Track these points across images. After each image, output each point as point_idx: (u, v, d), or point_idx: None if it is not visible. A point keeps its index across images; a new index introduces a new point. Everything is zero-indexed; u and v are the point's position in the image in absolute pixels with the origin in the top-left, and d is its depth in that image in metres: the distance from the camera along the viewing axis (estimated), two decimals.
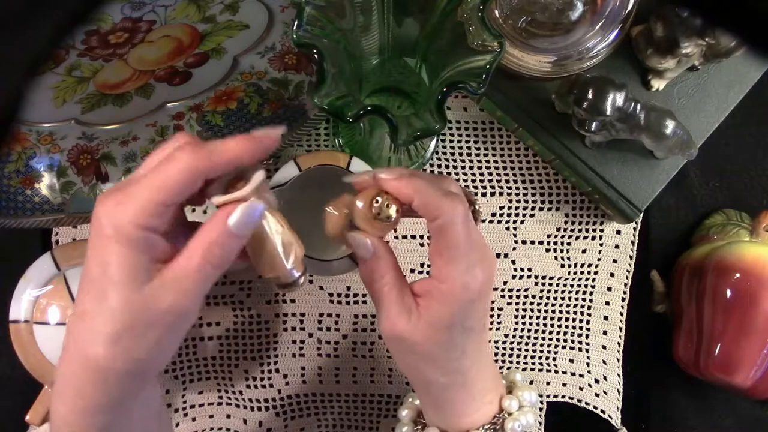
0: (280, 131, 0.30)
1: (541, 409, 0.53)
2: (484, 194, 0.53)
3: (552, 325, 0.53)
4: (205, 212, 0.51)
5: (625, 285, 0.53)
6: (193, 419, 0.51)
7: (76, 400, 0.27)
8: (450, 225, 0.30)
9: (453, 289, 0.31)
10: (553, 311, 0.53)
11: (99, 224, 0.26)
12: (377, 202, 0.31)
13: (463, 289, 0.31)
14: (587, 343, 0.53)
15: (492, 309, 0.53)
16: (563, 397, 0.53)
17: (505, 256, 0.53)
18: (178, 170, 0.27)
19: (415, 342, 0.32)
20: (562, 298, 0.53)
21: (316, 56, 0.30)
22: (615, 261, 0.53)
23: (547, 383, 0.53)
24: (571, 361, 0.53)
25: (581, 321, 0.53)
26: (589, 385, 0.53)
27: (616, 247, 0.53)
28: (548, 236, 0.53)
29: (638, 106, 0.43)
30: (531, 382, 0.53)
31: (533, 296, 0.53)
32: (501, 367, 0.53)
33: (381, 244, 0.33)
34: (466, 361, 0.33)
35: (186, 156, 0.27)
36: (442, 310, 0.31)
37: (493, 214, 0.53)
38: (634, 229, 0.53)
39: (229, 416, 0.52)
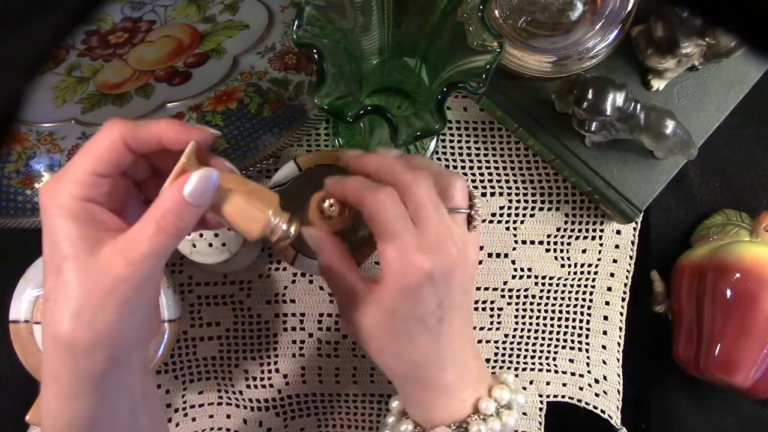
0: (216, 132, 0.31)
1: (541, 409, 0.53)
2: (484, 194, 0.53)
3: (552, 325, 0.53)
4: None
5: (625, 285, 0.53)
6: (193, 419, 0.51)
7: (53, 385, 0.28)
8: (371, 215, 0.32)
9: (390, 275, 0.32)
10: (553, 311, 0.53)
11: (42, 208, 0.27)
12: (324, 202, 0.35)
13: (400, 274, 0.32)
14: (587, 343, 0.53)
15: (492, 309, 0.53)
16: (563, 397, 0.53)
17: (505, 256, 0.53)
18: (104, 140, 0.28)
19: (367, 330, 0.34)
20: (562, 298, 0.53)
21: (316, 56, 0.30)
22: (615, 261, 0.53)
23: (547, 383, 0.53)
24: (571, 361, 0.53)
25: (581, 321, 0.53)
26: (589, 385, 0.53)
27: (616, 247, 0.53)
28: (548, 236, 0.53)
29: (638, 106, 0.43)
30: (531, 382, 0.53)
31: (533, 296, 0.53)
32: (501, 367, 0.53)
33: (327, 237, 0.35)
34: (418, 353, 0.33)
35: (112, 127, 0.28)
36: (383, 295, 0.32)
37: (493, 214, 0.53)
38: (634, 229, 0.53)
39: (229, 416, 0.52)
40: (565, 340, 0.53)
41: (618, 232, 0.53)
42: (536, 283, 0.53)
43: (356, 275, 0.34)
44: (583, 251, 0.53)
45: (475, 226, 0.36)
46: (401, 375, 0.35)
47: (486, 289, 0.53)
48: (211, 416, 0.52)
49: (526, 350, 0.53)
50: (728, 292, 0.46)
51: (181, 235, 0.28)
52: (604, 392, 0.52)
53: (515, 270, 0.53)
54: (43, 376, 0.28)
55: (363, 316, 0.34)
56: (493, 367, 0.53)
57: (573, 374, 0.53)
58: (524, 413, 0.53)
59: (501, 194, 0.53)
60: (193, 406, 0.52)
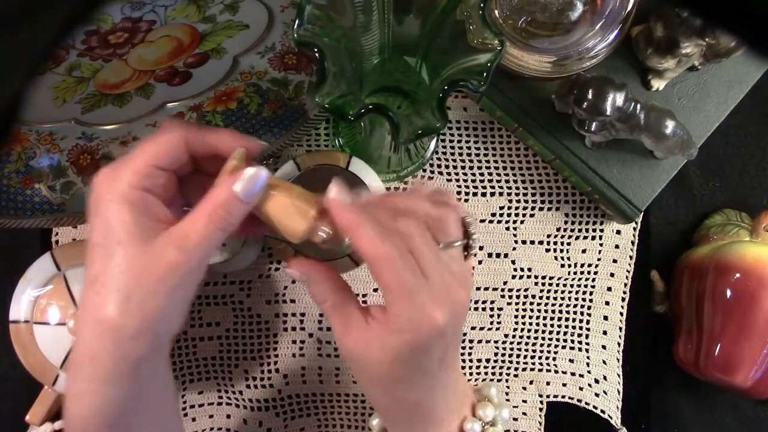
0: (264, 144, 0.33)
1: (541, 409, 0.53)
2: (484, 194, 0.53)
3: (552, 325, 0.53)
4: None
5: (625, 285, 0.53)
6: (193, 419, 0.51)
7: (87, 368, 0.28)
8: (378, 270, 0.30)
9: (399, 328, 0.30)
10: (553, 311, 0.53)
11: (96, 194, 0.28)
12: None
13: (411, 330, 0.30)
14: (587, 343, 0.53)
15: (492, 309, 0.53)
16: (563, 397, 0.53)
17: (505, 256, 0.53)
18: (168, 137, 0.29)
19: (362, 365, 0.32)
20: (562, 298, 0.53)
21: (317, 55, 0.30)
22: (615, 261, 0.53)
23: (547, 383, 0.53)
24: (571, 361, 0.53)
25: (581, 321, 0.53)
26: (589, 385, 0.53)
27: (616, 247, 0.53)
28: (548, 236, 0.53)
29: (638, 106, 0.43)
30: (531, 382, 0.53)
31: (533, 296, 0.53)
32: (501, 368, 0.53)
33: (315, 271, 0.33)
34: (414, 397, 0.33)
35: (177, 127, 0.30)
36: (388, 343, 0.30)
37: (493, 214, 0.53)
38: (634, 229, 0.53)
39: (229, 416, 0.52)
40: (565, 340, 0.53)
41: (618, 232, 0.53)
42: (536, 283, 0.53)
43: (355, 305, 0.33)
44: (583, 251, 0.53)
45: (474, 254, 0.35)
46: (390, 411, 0.34)
47: (486, 289, 0.53)
48: (211, 416, 0.52)
49: (526, 350, 0.53)
50: (728, 292, 0.46)
51: (228, 230, 0.29)
52: (604, 392, 0.52)
53: (515, 270, 0.53)
54: (75, 360, 0.28)
55: (362, 352, 0.31)
56: (493, 367, 0.53)
57: (573, 374, 0.53)
58: (524, 413, 0.53)
59: (501, 194, 0.53)
60: (193, 406, 0.52)
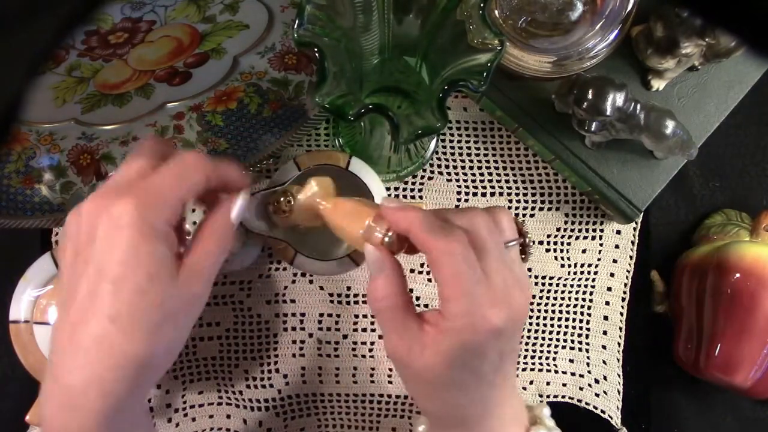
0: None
1: None
2: (484, 194, 0.53)
3: (552, 325, 0.53)
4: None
5: (625, 285, 0.53)
6: (193, 419, 0.51)
7: (100, 401, 0.27)
8: (438, 263, 0.30)
9: (455, 327, 0.30)
10: (553, 311, 0.53)
11: (131, 221, 0.27)
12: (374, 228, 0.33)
13: (467, 329, 0.29)
14: (587, 343, 0.53)
15: None
16: (563, 397, 0.53)
17: None
18: (199, 177, 0.30)
19: (415, 371, 0.31)
20: (562, 298, 0.53)
21: (317, 55, 0.30)
22: (615, 261, 0.53)
23: (547, 383, 0.53)
24: (571, 361, 0.53)
25: (581, 321, 0.53)
26: (589, 385, 0.52)
27: (616, 247, 0.53)
28: (548, 236, 0.53)
29: (638, 106, 0.43)
30: (531, 382, 0.53)
31: (533, 296, 0.53)
32: None
33: (392, 263, 0.32)
34: (466, 402, 0.31)
35: (203, 163, 0.31)
36: (443, 345, 0.30)
37: None
38: (634, 229, 0.53)
39: (229, 416, 0.52)
40: (565, 340, 0.53)
41: (618, 232, 0.53)
42: (536, 283, 0.53)
43: (412, 310, 0.32)
44: (583, 251, 0.53)
45: (530, 254, 0.34)
46: (441, 418, 0.33)
47: None
48: (211, 416, 0.52)
49: (526, 350, 0.53)
50: (728, 292, 0.46)
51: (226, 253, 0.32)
52: (604, 392, 0.52)
53: None
54: (80, 394, 0.28)
55: (416, 359, 0.31)
56: None
57: (573, 374, 0.53)
58: None
59: (501, 194, 0.53)
60: (193, 406, 0.52)
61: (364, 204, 0.34)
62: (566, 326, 0.53)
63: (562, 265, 0.53)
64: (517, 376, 0.53)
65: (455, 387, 0.31)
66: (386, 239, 0.32)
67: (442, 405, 0.32)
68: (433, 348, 0.30)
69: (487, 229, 0.31)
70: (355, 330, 0.52)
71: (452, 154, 0.53)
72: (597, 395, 0.52)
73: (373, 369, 0.52)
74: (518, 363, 0.53)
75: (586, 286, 0.53)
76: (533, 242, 0.34)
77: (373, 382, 0.52)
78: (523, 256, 0.34)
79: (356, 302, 0.52)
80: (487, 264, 0.30)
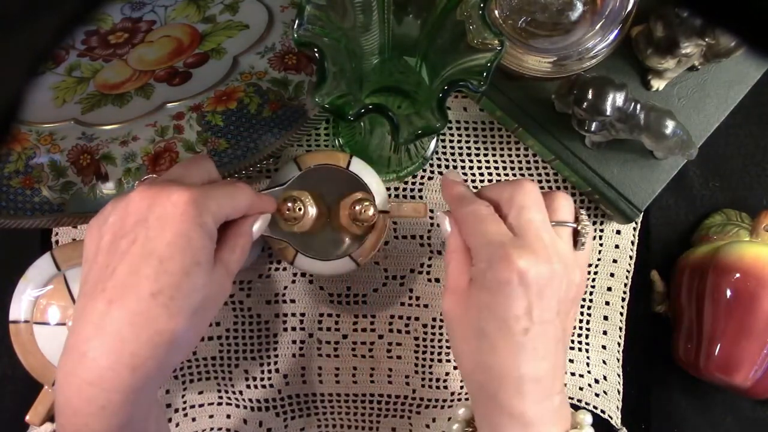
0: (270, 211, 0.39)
1: None
2: None
3: None
4: None
5: (625, 285, 0.53)
6: (193, 419, 0.51)
7: (129, 377, 0.29)
8: (462, 225, 0.34)
9: (480, 270, 0.32)
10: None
11: (186, 215, 0.30)
12: (356, 205, 0.40)
13: (493, 268, 0.31)
14: (587, 343, 0.53)
15: None
16: None
17: None
18: (245, 200, 0.35)
19: (455, 323, 0.33)
20: None
21: (316, 55, 0.30)
22: (615, 261, 0.53)
23: None
24: (571, 361, 0.53)
25: (581, 321, 0.53)
26: (589, 385, 0.52)
27: (616, 247, 0.53)
28: None
29: (638, 106, 0.43)
30: None
31: None
32: None
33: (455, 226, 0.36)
34: (496, 360, 0.31)
35: (251, 194, 0.36)
36: (473, 293, 0.32)
37: None
38: (634, 229, 0.53)
39: (229, 416, 0.52)
40: None
41: (618, 232, 0.53)
42: None
43: (470, 264, 0.34)
44: None
45: (583, 244, 0.34)
46: (476, 381, 0.33)
47: None
48: (211, 416, 0.52)
49: None
50: (728, 292, 0.46)
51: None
52: (604, 392, 0.52)
53: None
54: (108, 368, 0.28)
55: (454, 305, 0.33)
56: None
57: (573, 374, 0.53)
58: None
59: None
60: (193, 406, 0.52)
61: (415, 204, 0.43)
62: None
63: None
64: None
65: (483, 336, 0.32)
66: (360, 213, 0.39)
67: (474, 363, 0.32)
68: (469, 296, 0.33)
69: (530, 191, 0.33)
70: (355, 330, 0.52)
71: (452, 154, 0.53)
72: (597, 395, 0.52)
73: (373, 369, 0.52)
74: None
75: (586, 286, 0.53)
76: (587, 234, 0.34)
77: (373, 382, 0.52)
78: (576, 245, 0.34)
79: (356, 302, 0.52)
80: (521, 221, 0.32)
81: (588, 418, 0.35)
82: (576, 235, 0.34)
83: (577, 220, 0.35)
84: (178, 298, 0.29)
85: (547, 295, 0.31)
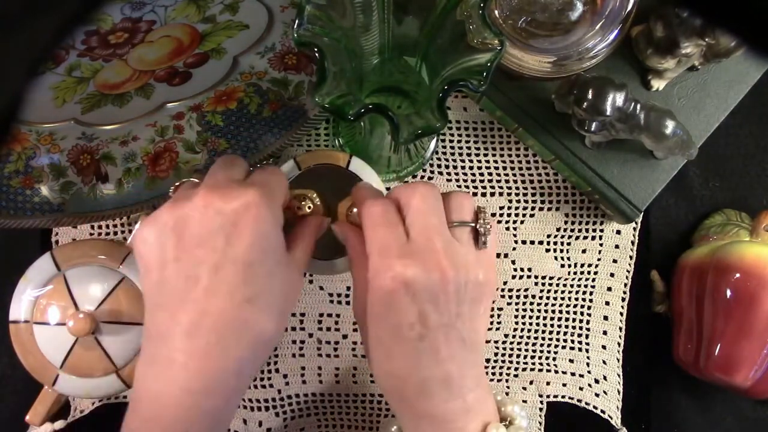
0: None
1: (541, 409, 0.53)
2: (484, 194, 0.53)
3: (552, 325, 0.53)
4: None
5: (625, 285, 0.53)
6: None
7: (235, 382, 0.30)
8: (364, 224, 0.33)
9: (371, 277, 0.31)
10: (553, 311, 0.53)
11: (260, 216, 0.30)
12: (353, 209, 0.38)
13: (378, 277, 0.31)
14: (587, 343, 0.53)
15: (492, 309, 0.53)
16: (563, 397, 0.53)
17: (505, 256, 0.53)
18: (286, 184, 0.35)
19: (361, 330, 0.33)
20: (562, 298, 0.53)
21: (317, 55, 0.30)
22: (615, 261, 0.53)
23: (547, 383, 0.53)
24: (571, 361, 0.53)
25: (581, 321, 0.53)
26: (589, 385, 0.52)
27: (616, 247, 0.53)
28: (548, 236, 0.53)
29: (638, 106, 0.43)
30: (531, 382, 0.53)
31: (533, 296, 0.53)
32: (501, 368, 0.53)
33: (354, 232, 0.35)
34: (395, 366, 0.31)
35: (285, 181, 0.35)
36: (369, 298, 0.32)
37: (493, 214, 0.53)
38: (634, 229, 0.53)
39: None
40: (565, 340, 0.53)
41: (618, 232, 0.53)
42: (536, 283, 0.53)
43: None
44: (583, 251, 0.53)
45: (485, 243, 0.33)
46: (383, 386, 0.33)
47: None
48: None
49: (526, 350, 0.53)
50: (728, 292, 0.46)
51: None
52: (604, 392, 0.52)
53: (515, 270, 0.53)
54: (222, 368, 0.29)
55: (358, 313, 0.34)
56: (493, 367, 0.53)
57: (573, 374, 0.53)
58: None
59: (501, 194, 0.53)
60: None
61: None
62: (566, 326, 0.53)
63: (562, 265, 0.53)
64: (517, 376, 0.53)
65: (380, 343, 0.32)
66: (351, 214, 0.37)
67: (378, 369, 0.32)
68: (361, 304, 0.32)
69: (425, 195, 0.32)
70: (355, 330, 0.52)
71: (452, 154, 0.53)
72: (597, 395, 0.52)
73: None
74: (518, 363, 0.53)
75: (586, 286, 0.53)
76: (489, 232, 0.33)
77: (373, 382, 0.52)
78: (477, 243, 0.33)
79: None
80: (414, 226, 0.32)
81: (520, 411, 0.34)
82: (476, 234, 0.34)
83: (477, 218, 0.34)
84: (272, 301, 0.30)
85: (442, 300, 0.31)
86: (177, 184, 0.35)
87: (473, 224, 0.33)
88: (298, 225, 0.36)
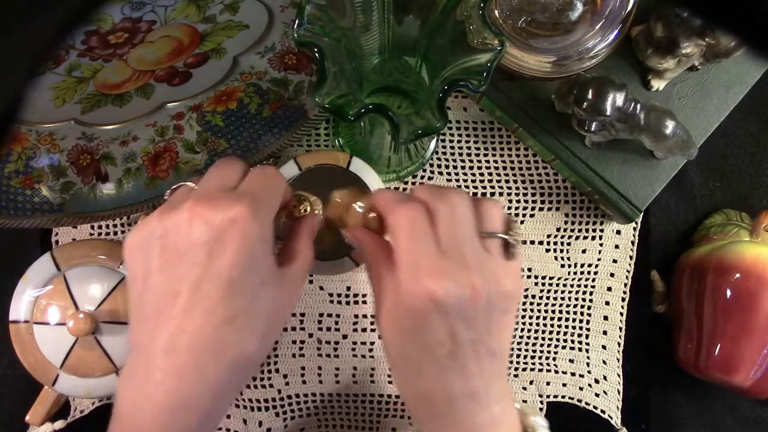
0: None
1: (541, 409, 0.52)
2: (484, 194, 0.53)
3: (552, 325, 0.53)
4: None
5: (625, 285, 0.53)
6: None
7: (210, 402, 0.28)
8: (392, 229, 0.31)
9: (399, 291, 0.30)
10: (553, 311, 0.53)
11: (244, 232, 0.28)
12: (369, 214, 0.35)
13: (408, 294, 0.29)
14: (587, 343, 0.53)
15: None
16: (563, 397, 0.53)
17: None
18: (283, 182, 0.33)
19: (385, 344, 0.32)
20: (562, 298, 0.53)
21: (317, 55, 0.30)
22: (615, 261, 0.53)
23: (547, 383, 0.53)
24: (571, 361, 0.53)
25: (581, 321, 0.53)
26: (589, 385, 0.52)
27: (616, 247, 0.53)
28: (548, 236, 0.53)
29: (638, 106, 0.43)
30: (531, 382, 0.53)
31: (533, 296, 0.53)
32: None
33: (372, 238, 0.34)
34: (425, 384, 0.30)
35: (283, 183, 0.33)
36: (395, 313, 0.30)
37: None
38: (634, 229, 0.53)
39: (229, 416, 0.52)
40: (565, 340, 0.53)
41: (618, 232, 0.53)
42: (536, 283, 0.53)
43: (392, 280, 0.32)
44: (583, 251, 0.53)
45: (513, 254, 0.32)
46: (410, 402, 0.32)
47: None
48: None
49: (526, 350, 0.53)
50: (728, 292, 0.46)
51: None
52: (604, 392, 0.52)
53: None
54: (190, 388, 0.28)
55: (383, 322, 0.31)
56: None
57: (573, 374, 0.53)
58: None
59: (501, 194, 0.53)
60: None
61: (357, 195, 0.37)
62: (566, 326, 0.53)
63: (562, 265, 0.53)
64: (517, 376, 0.53)
65: (409, 360, 0.31)
66: (370, 218, 0.35)
67: (405, 385, 0.32)
68: (393, 317, 0.31)
69: (459, 204, 0.31)
70: (355, 330, 0.52)
71: (452, 154, 0.53)
72: (597, 395, 0.52)
73: (373, 369, 0.52)
74: (518, 363, 0.53)
75: (586, 286, 0.53)
76: (518, 242, 0.32)
77: (373, 382, 0.52)
78: (507, 255, 0.32)
79: (356, 302, 0.52)
80: (445, 239, 0.30)
81: (541, 421, 0.34)
82: (506, 245, 0.32)
83: (507, 229, 0.33)
84: (252, 322, 0.29)
85: (472, 316, 0.30)
86: (174, 187, 0.34)
87: (506, 237, 0.32)
88: (294, 232, 0.34)
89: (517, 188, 0.53)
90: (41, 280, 0.44)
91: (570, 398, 0.53)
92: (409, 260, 0.30)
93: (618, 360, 0.53)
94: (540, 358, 0.53)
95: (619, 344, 0.53)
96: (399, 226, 0.31)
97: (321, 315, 0.52)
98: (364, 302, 0.52)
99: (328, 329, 0.52)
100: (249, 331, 0.29)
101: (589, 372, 0.53)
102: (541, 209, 0.53)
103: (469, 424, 0.31)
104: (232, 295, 0.28)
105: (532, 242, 0.53)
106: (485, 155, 0.53)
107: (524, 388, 0.53)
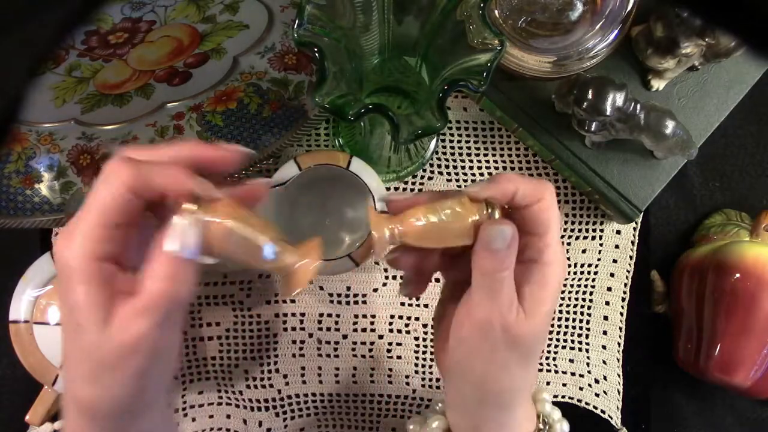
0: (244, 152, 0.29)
1: None
2: None
3: (552, 325, 0.53)
4: None
5: (625, 285, 0.53)
6: (193, 419, 0.51)
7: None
8: (550, 204, 0.31)
9: (555, 270, 0.30)
10: (553, 311, 0.53)
11: (60, 264, 0.25)
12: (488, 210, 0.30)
13: (562, 272, 0.30)
14: (587, 343, 0.53)
15: None
16: (563, 397, 0.53)
17: None
18: (109, 192, 0.25)
19: (520, 337, 0.29)
20: (562, 298, 0.53)
21: (317, 55, 0.30)
22: (615, 261, 0.53)
23: (547, 383, 0.53)
24: (571, 361, 0.53)
25: (581, 321, 0.53)
26: (589, 385, 0.52)
27: (616, 247, 0.53)
28: None
29: (638, 106, 0.43)
30: None
31: None
32: None
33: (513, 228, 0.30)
34: (506, 383, 0.31)
35: (115, 175, 0.25)
36: (544, 296, 0.30)
37: None
38: (634, 229, 0.53)
39: (229, 416, 0.52)
40: (565, 340, 0.53)
41: (618, 232, 0.53)
42: None
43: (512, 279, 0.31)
44: (583, 251, 0.53)
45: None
46: (472, 397, 0.32)
47: None
48: (211, 416, 0.52)
49: None
50: (728, 292, 0.46)
51: (189, 287, 0.26)
52: (604, 392, 0.52)
53: None
54: (66, 426, 0.27)
55: (519, 324, 0.29)
56: None
57: (573, 374, 0.53)
58: None
59: None
60: (193, 406, 0.52)
61: (453, 200, 0.30)
62: (566, 326, 0.53)
63: None
64: None
65: (495, 361, 0.30)
66: (495, 214, 0.30)
67: (476, 385, 0.31)
68: (537, 310, 0.29)
69: (556, 216, 0.31)
70: (355, 330, 0.52)
71: (452, 154, 0.53)
72: (597, 395, 0.52)
73: (373, 369, 0.52)
74: None
75: (586, 286, 0.53)
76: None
77: (373, 382, 0.52)
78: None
79: (356, 302, 0.52)
80: (538, 257, 0.31)
81: (547, 407, 0.37)
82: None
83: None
84: (74, 365, 0.26)
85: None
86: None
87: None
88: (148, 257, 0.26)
89: None
90: (41, 280, 0.44)
91: (570, 398, 0.53)
92: (559, 243, 0.31)
93: (618, 360, 0.53)
94: (540, 358, 0.53)
95: (619, 344, 0.53)
96: (554, 204, 0.31)
97: (321, 315, 0.52)
98: (364, 302, 0.52)
99: (328, 329, 0.52)
100: (76, 373, 0.26)
101: (589, 372, 0.53)
102: None
103: (518, 414, 0.33)
104: (65, 330, 0.26)
105: None
106: (485, 155, 0.53)
107: None
